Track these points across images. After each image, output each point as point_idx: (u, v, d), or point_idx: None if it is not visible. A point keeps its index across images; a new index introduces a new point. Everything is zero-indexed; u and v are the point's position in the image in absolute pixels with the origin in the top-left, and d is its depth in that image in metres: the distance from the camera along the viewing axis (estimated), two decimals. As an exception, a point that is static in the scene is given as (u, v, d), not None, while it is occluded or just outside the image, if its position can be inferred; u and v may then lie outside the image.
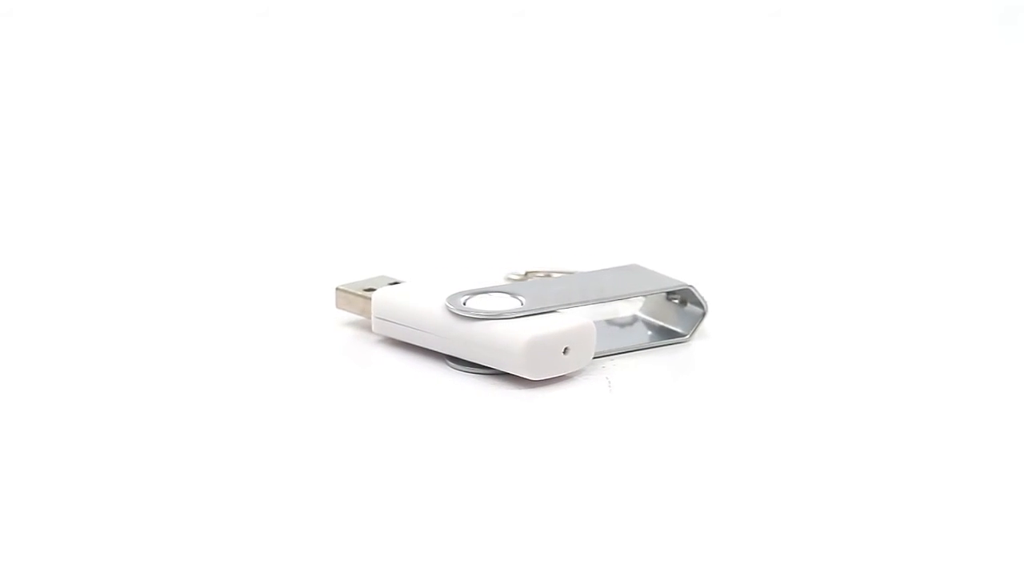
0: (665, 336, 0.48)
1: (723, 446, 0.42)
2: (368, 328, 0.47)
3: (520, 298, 0.46)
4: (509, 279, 0.51)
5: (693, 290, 0.48)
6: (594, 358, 0.46)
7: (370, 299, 0.47)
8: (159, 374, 0.45)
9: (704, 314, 0.48)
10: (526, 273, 0.51)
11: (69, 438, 0.41)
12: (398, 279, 0.48)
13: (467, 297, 0.46)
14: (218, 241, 0.57)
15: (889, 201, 0.63)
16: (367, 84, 0.69)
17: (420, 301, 0.46)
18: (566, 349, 0.45)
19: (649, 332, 0.48)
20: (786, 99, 0.71)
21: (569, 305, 0.46)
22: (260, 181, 0.63)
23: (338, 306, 0.48)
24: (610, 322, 0.49)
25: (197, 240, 0.57)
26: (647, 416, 0.43)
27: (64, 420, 0.42)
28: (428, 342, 0.46)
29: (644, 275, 0.49)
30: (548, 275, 0.51)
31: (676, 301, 0.49)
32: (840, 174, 0.66)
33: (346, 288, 0.48)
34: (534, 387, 0.44)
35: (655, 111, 0.69)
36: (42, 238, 0.56)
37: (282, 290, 0.51)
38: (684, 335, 0.48)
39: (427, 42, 0.71)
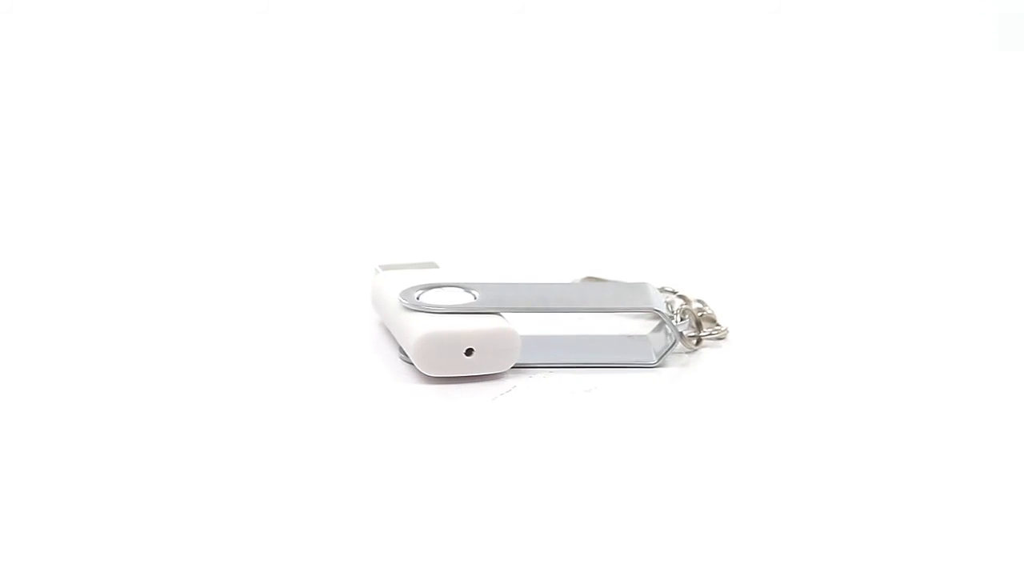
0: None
1: (563, 471, 0.41)
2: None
3: (473, 292, 0.46)
4: (573, 282, 0.51)
5: (662, 316, 0.47)
6: (557, 367, 0.46)
7: (384, 281, 0.49)
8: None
9: (673, 343, 0.47)
10: (583, 279, 0.51)
11: (103, 418, 0.44)
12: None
13: (421, 292, 0.46)
14: (332, 217, 0.59)
15: (890, 209, 0.60)
16: (451, 83, 0.71)
17: (391, 290, 0.47)
18: (470, 351, 0.45)
19: (632, 352, 0.47)
20: (803, 104, 0.69)
21: (518, 310, 0.46)
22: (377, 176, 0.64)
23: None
24: (599, 337, 0.48)
25: (309, 214, 0.59)
26: (512, 430, 0.43)
27: (107, 397, 0.45)
28: (390, 329, 0.47)
29: (633, 295, 0.47)
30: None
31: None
32: (852, 178, 0.63)
33: (378, 268, 0.50)
34: (438, 384, 0.45)
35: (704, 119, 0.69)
36: (86, 226, 0.57)
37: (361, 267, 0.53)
38: (654, 361, 0.47)
39: (500, 40, 0.72)
